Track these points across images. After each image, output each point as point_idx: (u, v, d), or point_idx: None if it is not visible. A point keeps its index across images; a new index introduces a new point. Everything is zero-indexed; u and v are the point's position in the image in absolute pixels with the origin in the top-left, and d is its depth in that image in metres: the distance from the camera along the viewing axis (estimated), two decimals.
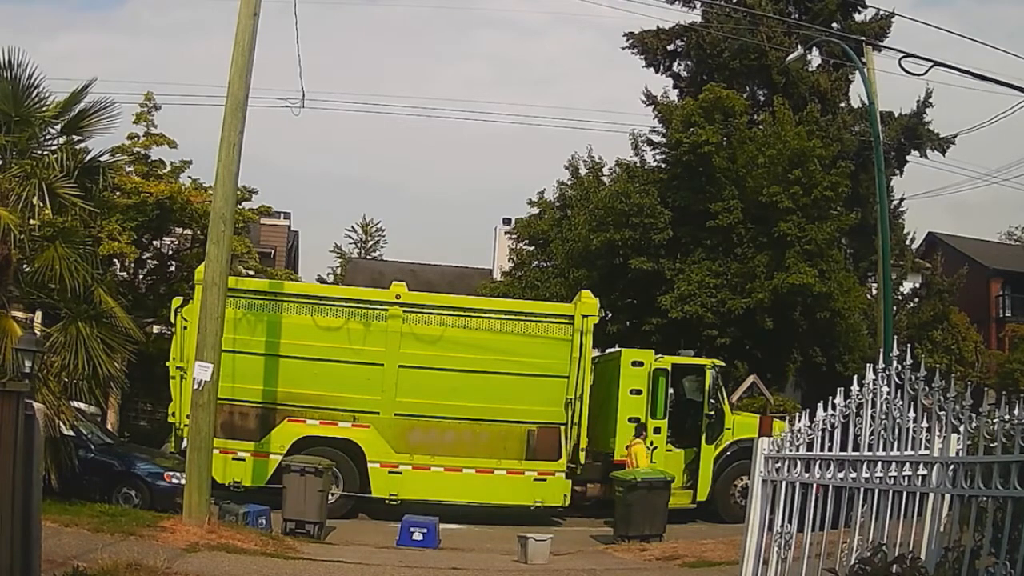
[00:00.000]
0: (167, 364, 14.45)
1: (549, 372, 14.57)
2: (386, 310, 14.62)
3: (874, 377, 5.90)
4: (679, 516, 14.56)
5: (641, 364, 15.50)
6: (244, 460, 13.90)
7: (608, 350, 18.93)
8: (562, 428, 14.48)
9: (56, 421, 10.32)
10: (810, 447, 6.34)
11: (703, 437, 15.41)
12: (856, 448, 5.96)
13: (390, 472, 14.09)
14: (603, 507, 14.73)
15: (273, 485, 13.17)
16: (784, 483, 6.48)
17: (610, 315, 22.13)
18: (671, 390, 15.67)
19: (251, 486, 13.80)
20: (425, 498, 13.94)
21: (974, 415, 5.14)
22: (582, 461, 14.59)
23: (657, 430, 15.24)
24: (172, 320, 14.86)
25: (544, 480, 14.33)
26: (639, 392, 15.27)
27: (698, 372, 15.93)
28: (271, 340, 14.25)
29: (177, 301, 14.88)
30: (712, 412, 15.45)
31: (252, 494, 13.36)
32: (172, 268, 22.31)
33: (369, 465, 14.09)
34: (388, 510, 13.82)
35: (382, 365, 14.46)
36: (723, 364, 16.78)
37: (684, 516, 14.94)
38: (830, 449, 6.14)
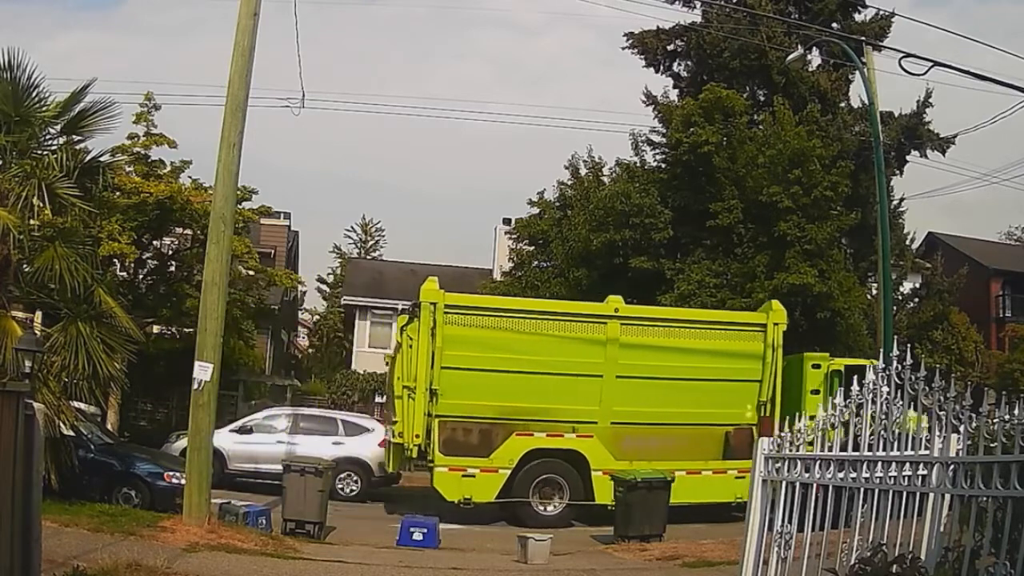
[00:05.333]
0: (397, 382, 14.66)
1: (744, 377, 15.37)
2: (604, 323, 15.00)
3: (874, 377, 5.90)
4: None
5: (819, 366, 16.34)
6: (474, 476, 14.06)
7: None
8: (755, 429, 14.97)
9: (56, 421, 10.28)
10: (810, 447, 6.34)
11: None
12: (856, 448, 5.96)
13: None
14: None
15: (501, 499, 13.81)
16: (784, 483, 6.48)
17: None
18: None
19: (480, 502, 14.03)
20: None
21: (974, 415, 5.14)
22: None
23: None
24: (398, 339, 15.20)
25: (743, 477, 14.58)
26: (817, 392, 15.77)
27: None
28: (496, 356, 14.42)
29: (402, 319, 15.27)
30: None
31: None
32: (172, 268, 22.34)
33: (593, 473, 14.41)
34: (388, 510, 13.82)
35: (601, 376, 14.81)
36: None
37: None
38: (830, 449, 6.14)
